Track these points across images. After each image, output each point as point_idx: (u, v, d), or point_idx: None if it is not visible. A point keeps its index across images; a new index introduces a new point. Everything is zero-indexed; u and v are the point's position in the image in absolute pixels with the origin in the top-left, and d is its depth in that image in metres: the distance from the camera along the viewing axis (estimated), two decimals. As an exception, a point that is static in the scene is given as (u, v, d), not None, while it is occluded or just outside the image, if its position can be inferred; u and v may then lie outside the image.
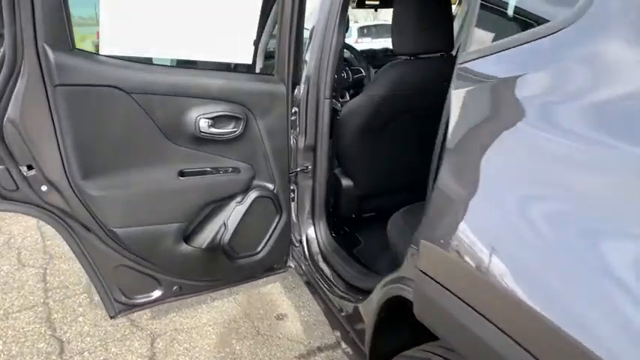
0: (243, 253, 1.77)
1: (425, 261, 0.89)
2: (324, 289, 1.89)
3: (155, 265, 1.60)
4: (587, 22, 0.69)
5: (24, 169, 1.29)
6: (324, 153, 1.89)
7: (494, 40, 0.90)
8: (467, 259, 0.74)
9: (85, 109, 1.27)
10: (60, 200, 1.36)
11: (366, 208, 2.31)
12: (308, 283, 2.13)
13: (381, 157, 2.07)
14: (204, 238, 1.66)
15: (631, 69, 0.64)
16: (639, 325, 0.51)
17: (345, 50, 2.69)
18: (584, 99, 0.68)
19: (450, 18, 1.82)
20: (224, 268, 1.74)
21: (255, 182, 1.70)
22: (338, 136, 2.00)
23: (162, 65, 1.42)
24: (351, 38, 8.90)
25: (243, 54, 1.59)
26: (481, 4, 0.93)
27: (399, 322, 1.27)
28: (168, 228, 1.52)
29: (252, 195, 1.69)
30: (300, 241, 2.00)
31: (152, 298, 1.69)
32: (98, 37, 1.28)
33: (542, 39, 0.75)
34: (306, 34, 1.80)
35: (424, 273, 0.89)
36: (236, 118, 1.55)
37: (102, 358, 1.89)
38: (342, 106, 2.04)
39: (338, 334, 1.77)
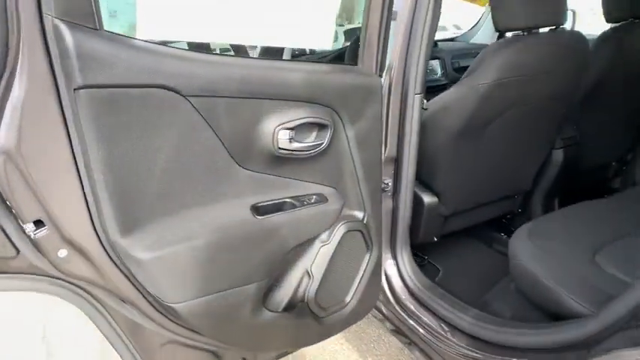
0: (331, 308, 1.30)
1: None
2: (432, 342, 1.45)
3: (220, 339, 1.13)
4: None
5: (29, 226, 0.81)
6: (410, 164, 1.46)
7: None
8: None
9: (122, 124, 0.81)
10: (87, 269, 0.88)
11: (447, 229, 1.89)
12: (398, 332, 1.68)
13: (478, 163, 1.65)
14: (282, 296, 1.19)
15: None
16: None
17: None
18: None
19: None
20: (307, 331, 1.27)
21: (343, 212, 1.25)
22: (420, 142, 1.57)
23: (225, 55, 0.96)
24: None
25: (321, 37, 1.15)
26: None
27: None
28: (245, 291, 1.05)
29: (341, 230, 1.23)
30: (378, 279, 1.56)
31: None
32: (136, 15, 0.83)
33: None
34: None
35: None
36: (320, 126, 1.11)
37: None
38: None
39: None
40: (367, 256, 1.35)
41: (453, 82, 1.90)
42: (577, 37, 1.52)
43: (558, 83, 1.48)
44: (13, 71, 0.71)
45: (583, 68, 1.55)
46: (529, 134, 1.65)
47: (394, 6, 1.33)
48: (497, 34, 3.20)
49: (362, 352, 1.81)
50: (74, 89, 0.74)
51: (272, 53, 1.43)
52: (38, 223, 0.82)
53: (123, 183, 0.84)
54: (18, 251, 0.84)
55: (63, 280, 0.90)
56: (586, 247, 1.33)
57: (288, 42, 1.10)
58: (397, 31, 1.36)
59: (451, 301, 1.50)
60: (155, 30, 0.86)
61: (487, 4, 3.21)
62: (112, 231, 0.85)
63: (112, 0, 0.81)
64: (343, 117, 1.14)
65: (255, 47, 1.41)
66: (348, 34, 1.95)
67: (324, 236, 1.21)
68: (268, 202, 1.09)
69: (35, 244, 0.83)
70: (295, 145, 1.05)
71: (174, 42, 0.95)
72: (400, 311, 1.59)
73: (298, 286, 1.21)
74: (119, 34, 0.80)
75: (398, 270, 1.61)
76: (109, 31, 0.78)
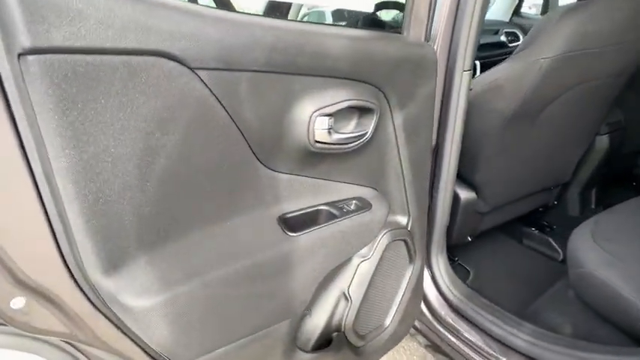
0: (370, 335, 1.07)
1: None
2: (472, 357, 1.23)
3: None
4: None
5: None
6: (452, 155, 1.21)
7: None
8: None
9: (97, 110, 0.53)
10: (57, 322, 0.61)
11: (482, 227, 1.66)
12: (434, 349, 1.46)
13: (525, 152, 1.41)
14: (314, 327, 0.94)
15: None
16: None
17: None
18: None
19: None
20: (343, 365, 1.03)
21: (387, 218, 1.00)
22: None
23: (242, 12, 0.68)
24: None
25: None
26: None
27: None
28: (274, 332, 0.80)
29: (384, 241, 0.99)
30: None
31: None
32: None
33: None
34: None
35: None
36: (362, 111, 0.85)
37: None
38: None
39: None
40: (410, 270, 1.11)
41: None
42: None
43: (628, 57, 1.25)
44: None
45: None
46: (582, 118, 1.42)
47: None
48: (513, 9, 2.97)
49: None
50: (18, 55, 0.46)
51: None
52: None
53: (102, 197, 0.57)
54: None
55: (27, 338, 0.62)
56: None
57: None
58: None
59: (498, 313, 1.28)
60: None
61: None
62: (91, 269, 0.58)
63: None
64: (391, 99, 0.88)
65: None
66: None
67: (364, 250, 0.96)
68: (300, 212, 0.83)
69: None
70: (335, 136, 0.79)
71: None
72: (437, 325, 1.37)
73: (333, 312, 0.96)
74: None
75: (433, 278, 1.38)
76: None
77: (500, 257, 1.81)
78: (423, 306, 1.41)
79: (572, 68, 1.17)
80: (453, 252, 1.70)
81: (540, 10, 3.36)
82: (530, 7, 3.62)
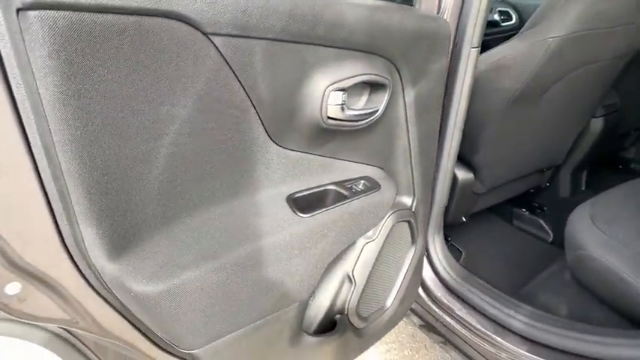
0: (371, 317, 1.05)
1: None
2: (475, 342, 1.24)
3: None
4: None
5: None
6: (455, 135, 1.19)
7: None
8: None
9: (104, 75, 0.48)
10: (57, 308, 0.57)
11: (477, 208, 1.66)
12: (428, 329, 1.47)
13: (524, 134, 1.40)
14: (316, 309, 0.92)
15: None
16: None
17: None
18: None
19: None
20: (347, 349, 1.01)
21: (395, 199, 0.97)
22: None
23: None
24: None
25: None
26: None
27: None
28: (283, 316, 0.77)
29: (389, 222, 0.96)
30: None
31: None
32: None
33: None
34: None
35: None
36: (374, 87, 0.81)
37: None
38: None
39: None
40: (412, 251, 1.09)
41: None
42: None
43: (635, 38, 1.23)
44: None
45: None
46: (583, 100, 1.42)
47: None
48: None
49: (383, 352, 1.59)
50: (17, 10, 0.40)
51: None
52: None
53: (107, 172, 0.52)
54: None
55: (22, 324, 0.58)
56: None
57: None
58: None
59: (494, 294, 1.29)
60: None
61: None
62: (95, 252, 0.54)
63: None
64: (403, 74, 0.85)
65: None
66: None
67: (369, 232, 0.93)
68: (309, 192, 0.79)
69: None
70: (347, 113, 0.75)
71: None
72: (432, 305, 1.37)
73: (337, 294, 0.94)
74: None
75: (429, 258, 1.38)
76: None
77: (491, 238, 1.83)
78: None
79: (580, 48, 1.15)
80: (446, 232, 1.70)
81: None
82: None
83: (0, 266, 0.51)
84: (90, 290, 0.56)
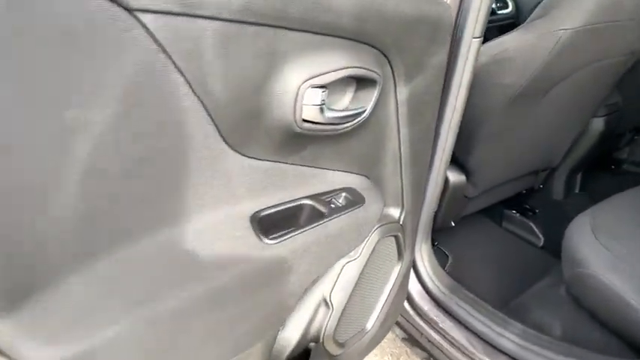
0: (349, 342, 0.93)
1: None
2: (458, 358, 1.14)
3: None
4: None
5: None
6: (450, 136, 1.07)
7: None
8: None
9: None
10: None
11: (467, 211, 1.55)
12: (411, 342, 1.36)
13: (523, 134, 1.28)
14: (287, 340, 0.79)
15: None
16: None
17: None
18: None
19: None
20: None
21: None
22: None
23: None
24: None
25: None
26: None
27: None
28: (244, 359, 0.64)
29: (373, 240, 0.83)
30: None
31: None
32: None
33: None
34: None
35: None
36: (363, 83, 0.67)
37: None
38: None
39: None
40: (398, 268, 0.97)
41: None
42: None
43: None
44: None
45: None
46: (587, 99, 1.30)
47: None
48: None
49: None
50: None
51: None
52: None
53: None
54: None
55: None
56: None
57: None
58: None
59: (483, 309, 1.18)
60: None
61: None
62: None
63: None
64: (397, 68, 0.71)
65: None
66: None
67: (351, 251, 0.80)
68: (279, 209, 0.65)
69: None
70: (328, 115, 0.61)
71: None
72: (417, 318, 1.26)
73: (311, 322, 0.81)
74: None
75: (415, 268, 1.26)
76: None
77: (479, 241, 1.73)
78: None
79: (592, 43, 1.02)
80: (433, 235, 1.59)
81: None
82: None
83: None
84: None
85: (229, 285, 0.56)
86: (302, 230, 0.64)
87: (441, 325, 1.22)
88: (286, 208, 0.66)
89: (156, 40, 0.41)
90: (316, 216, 0.68)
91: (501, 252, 1.66)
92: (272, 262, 0.60)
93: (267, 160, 0.63)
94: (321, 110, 0.60)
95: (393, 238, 0.91)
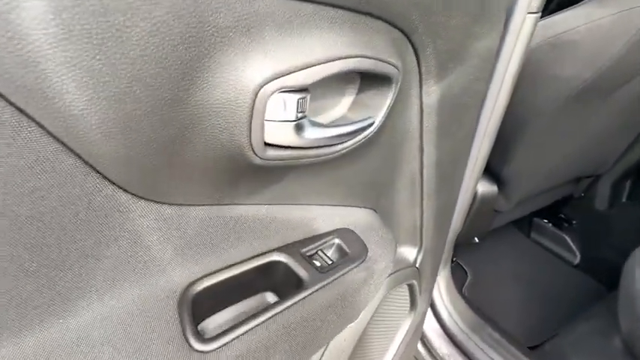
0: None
1: None
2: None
3: None
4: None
5: None
6: (485, 142, 0.82)
7: None
8: None
9: None
10: None
11: (494, 225, 1.30)
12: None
13: (578, 138, 1.02)
14: None
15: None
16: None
17: None
18: None
19: None
20: None
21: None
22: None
23: None
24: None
25: None
26: None
27: None
28: None
29: (380, 294, 0.60)
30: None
31: None
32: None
33: None
34: None
35: None
36: (371, 79, 0.42)
37: None
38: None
39: None
40: (409, 319, 0.74)
41: None
42: None
43: None
44: None
45: None
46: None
47: None
48: None
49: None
50: None
51: None
52: None
53: None
54: None
55: None
56: None
57: None
58: None
59: (515, 358, 0.95)
60: None
61: None
62: None
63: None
64: (425, 58, 0.45)
65: None
66: None
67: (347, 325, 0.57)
68: (229, 276, 0.42)
69: None
70: (310, 134, 0.37)
71: None
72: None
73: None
74: None
75: (431, 304, 1.03)
76: None
77: (504, 256, 1.49)
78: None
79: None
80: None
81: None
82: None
83: None
84: None
85: None
86: (264, 319, 0.40)
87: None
88: (243, 274, 0.43)
89: None
90: (291, 284, 0.45)
91: (529, 271, 1.42)
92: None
93: (207, 205, 0.39)
94: (298, 128, 0.36)
95: (405, 286, 0.68)
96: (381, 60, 0.39)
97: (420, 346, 1.03)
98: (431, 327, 1.02)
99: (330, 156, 0.42)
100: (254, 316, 0.40)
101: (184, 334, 0.36)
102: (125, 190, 0.32)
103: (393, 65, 0.41)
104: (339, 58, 0.36)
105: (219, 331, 0.39)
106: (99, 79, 0.25)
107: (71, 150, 0.27)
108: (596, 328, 1.06)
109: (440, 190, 0.61)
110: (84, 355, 0.33)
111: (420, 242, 0.65)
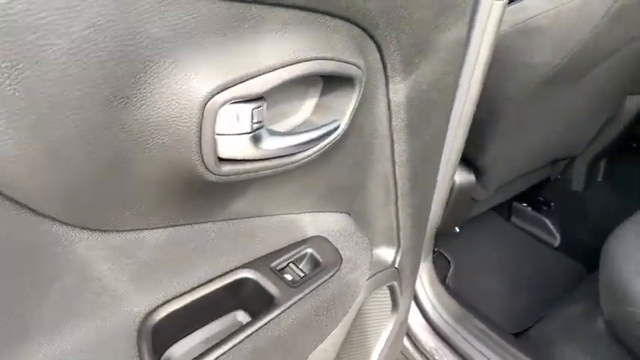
0: None
1: None
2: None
3: None
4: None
5: None
6: (460, 132, 0.81)
7: None
8: None
9: None
10: None
11: (473, 214, 1.30)
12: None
13: (550, 122, 1.02)
14: None
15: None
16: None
17: None
18: None
19: None
20: None
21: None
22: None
23: None
24: None
25: None
26: None
27: None
28: None
29: (357, 302, 0.58)
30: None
31: None
32: None
33: None
34: None
35: None
36: (334, 81, 0.39)
37: None
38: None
39: None
40: (391, 321, 0.72)
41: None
42: None
43: None
44: None
45: None
46: (627, 79, 1.03)
47: None
48: None
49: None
50: None
51: None
52: None
53: None
54: None
55: None
56: None
57: None
58: None
59: (498, 346, 0.95)
60: None
61: None
62: None
63: None
64: (390, 55, 0.43)
65: None
66: None
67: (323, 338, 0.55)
68: (192, 299, 0.39)
69: None
70: (269, 145, 0.34)
71: None
72: (416, 355, 1.03)
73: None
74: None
75: (415, 298, 1.02)
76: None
77: (485, 241, 1.49)
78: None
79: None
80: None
81: None
82: None
83: None
84: None
85: None
86: (236, 341, 0.38)
87: (444, 363, 1.00)
88: (206, 295, 0.40)
89: None
90: (262, 301, 0.42)
91: (511, 255, 1.43)
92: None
93: (162, 228, 0.36)
94: (255, 139, 0.33)
95: (385, 288, 0.66)
96: (341, 61, 0.37)
97: (406, 342, 1.02)
98: (416, 321, 1.02)
99: (295, 164, 0.39)
100: (224, 340, 0.38)
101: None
102: (65, 223, 0.29)
103: (355, 65, 0.38)
104: (296, 62, 0.33)
105: (187, 359, 0.36)
106: (12, 106, 0.22)
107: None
108: (579, 312, 1.06)
109: (414, 187, 0.59)
110: None
111: (397, 242, 0.64)
